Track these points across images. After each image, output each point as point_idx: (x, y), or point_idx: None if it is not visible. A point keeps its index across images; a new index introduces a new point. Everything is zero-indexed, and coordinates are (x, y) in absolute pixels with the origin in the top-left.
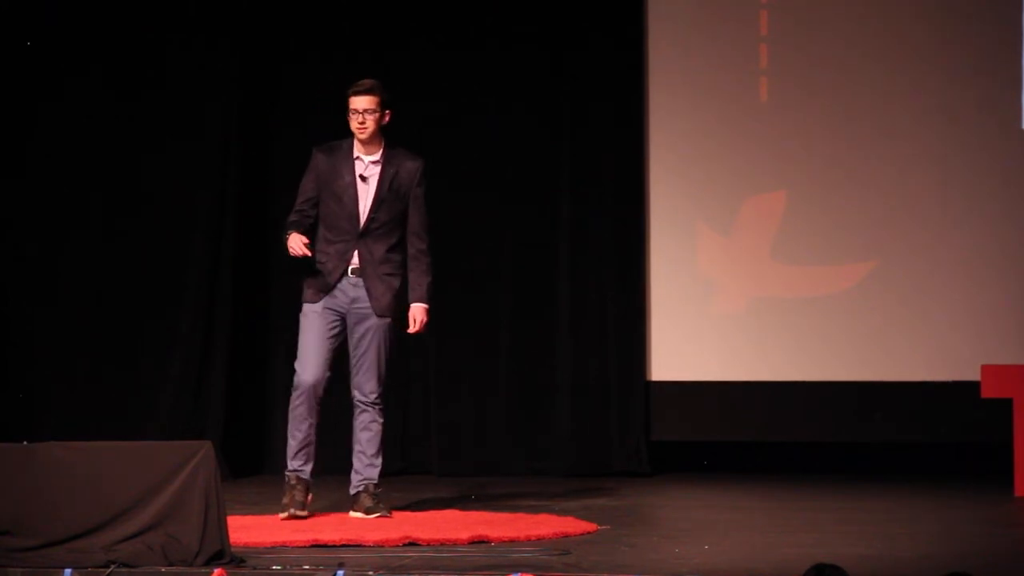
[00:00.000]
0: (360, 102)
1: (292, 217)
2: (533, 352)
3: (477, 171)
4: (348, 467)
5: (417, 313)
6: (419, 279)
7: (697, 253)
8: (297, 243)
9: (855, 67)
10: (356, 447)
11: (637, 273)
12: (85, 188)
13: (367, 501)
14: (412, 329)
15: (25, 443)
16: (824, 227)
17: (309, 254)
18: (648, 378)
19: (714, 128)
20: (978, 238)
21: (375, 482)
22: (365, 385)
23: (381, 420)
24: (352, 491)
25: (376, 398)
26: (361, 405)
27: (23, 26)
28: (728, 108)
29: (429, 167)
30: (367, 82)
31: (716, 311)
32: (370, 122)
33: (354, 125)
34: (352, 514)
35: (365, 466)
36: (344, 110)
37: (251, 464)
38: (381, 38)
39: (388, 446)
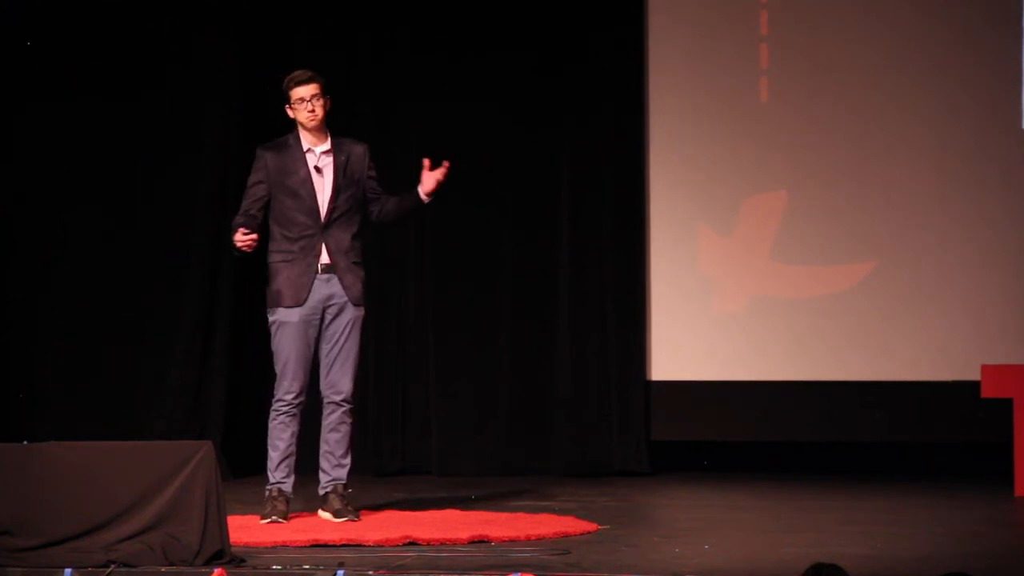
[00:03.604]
0: (306, 91)
1: (238, 219)
2: (533, 352)
3: (477, 171)
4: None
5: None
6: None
7: (697, 253)
8: (242, 237)
9: (855, 67)
10: (324, 447)
11: (637, 273)
12: (85, 188)
13: (336, 503)
14: (436, 173)
15: (25, 443)
16: (824, 227)
17: (252, 246)
18: (648, 378)
19: (714, 128)
20: (978, 238)
21: (344, 482)
22: (340, 383)
23: (350, 420)
24: (321, 492)
25: (349, 397)
26: (333, 405)
27: (23, 26)
28: (728, 108)
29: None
30: (305, 71)
31: (716, 311)
32: (318, 109)
33: (303, 115)
34: (321, 514)
35: (333, 467)
36: (274, 106)
37: (251, 464)
38: (382, 41)
39: (388, 446)
